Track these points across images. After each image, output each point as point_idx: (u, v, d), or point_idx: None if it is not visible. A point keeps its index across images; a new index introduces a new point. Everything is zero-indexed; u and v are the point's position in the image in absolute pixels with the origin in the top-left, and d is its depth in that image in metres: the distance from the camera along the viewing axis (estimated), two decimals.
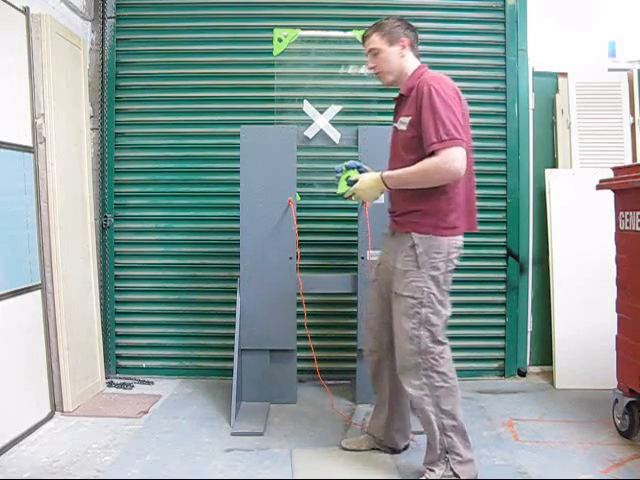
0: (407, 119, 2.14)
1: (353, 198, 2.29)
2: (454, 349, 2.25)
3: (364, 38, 2.30)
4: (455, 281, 2.25)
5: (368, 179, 2.22)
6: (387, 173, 2.17)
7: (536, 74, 3.60)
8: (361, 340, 3.03)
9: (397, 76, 2.26)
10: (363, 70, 3.42)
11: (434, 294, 2.11)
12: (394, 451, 2.46)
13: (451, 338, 2.23)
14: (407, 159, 2.13)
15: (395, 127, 2.26)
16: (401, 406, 2.42)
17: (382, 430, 2.46)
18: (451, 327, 2.32)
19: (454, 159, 2.00)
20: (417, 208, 2.14)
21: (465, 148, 2.05)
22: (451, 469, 2.12)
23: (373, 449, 2.48)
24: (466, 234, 2.22)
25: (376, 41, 2.24)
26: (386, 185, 2.17)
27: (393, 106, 2.34)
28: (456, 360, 2.27)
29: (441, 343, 2.15)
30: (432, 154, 2.03)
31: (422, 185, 2.09)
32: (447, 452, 2.13)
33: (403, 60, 2.24)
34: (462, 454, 2.13)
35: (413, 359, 2.13)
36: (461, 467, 2.12)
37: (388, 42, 2.23)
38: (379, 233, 2.95)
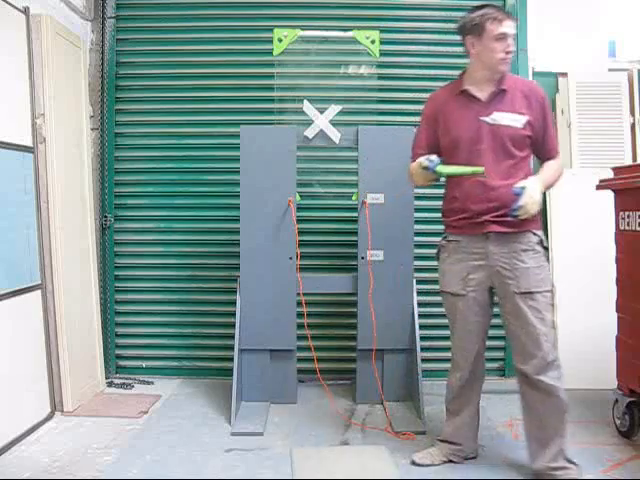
0: (522, 117, 2.16)
1: (522, 212, 2.07)
2: None
3: (511, 19, 2.14)
4: None
5: (536, 189, 2.08)
6: (540, 178, 2.15)
7: (536, 74, 3.59)
8: (361, 340, 3.03)
9: None
10: (363, 70, 3.42)
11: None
12: (467, 458, 2.38)
13: None
14: (518, 155, 2.18)
15: (486, 122, 2.16)
16: (478, 410, 2.41)
17: (461, 435, 2.37)
18: None
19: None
20: None
21: None
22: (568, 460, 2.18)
23: (448, 462, 2.36)
24: None
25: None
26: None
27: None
28: None
29: None
30: (550, 158, 2.23)
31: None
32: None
33: None
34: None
35: (552, 354, 2.15)
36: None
37: None
38: (379, 233, 2.97)
